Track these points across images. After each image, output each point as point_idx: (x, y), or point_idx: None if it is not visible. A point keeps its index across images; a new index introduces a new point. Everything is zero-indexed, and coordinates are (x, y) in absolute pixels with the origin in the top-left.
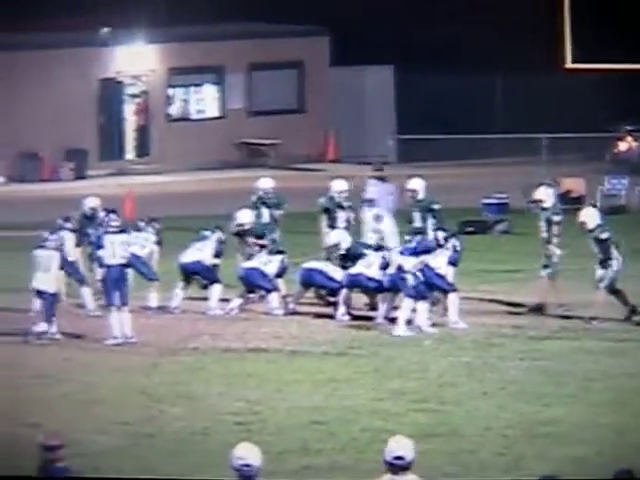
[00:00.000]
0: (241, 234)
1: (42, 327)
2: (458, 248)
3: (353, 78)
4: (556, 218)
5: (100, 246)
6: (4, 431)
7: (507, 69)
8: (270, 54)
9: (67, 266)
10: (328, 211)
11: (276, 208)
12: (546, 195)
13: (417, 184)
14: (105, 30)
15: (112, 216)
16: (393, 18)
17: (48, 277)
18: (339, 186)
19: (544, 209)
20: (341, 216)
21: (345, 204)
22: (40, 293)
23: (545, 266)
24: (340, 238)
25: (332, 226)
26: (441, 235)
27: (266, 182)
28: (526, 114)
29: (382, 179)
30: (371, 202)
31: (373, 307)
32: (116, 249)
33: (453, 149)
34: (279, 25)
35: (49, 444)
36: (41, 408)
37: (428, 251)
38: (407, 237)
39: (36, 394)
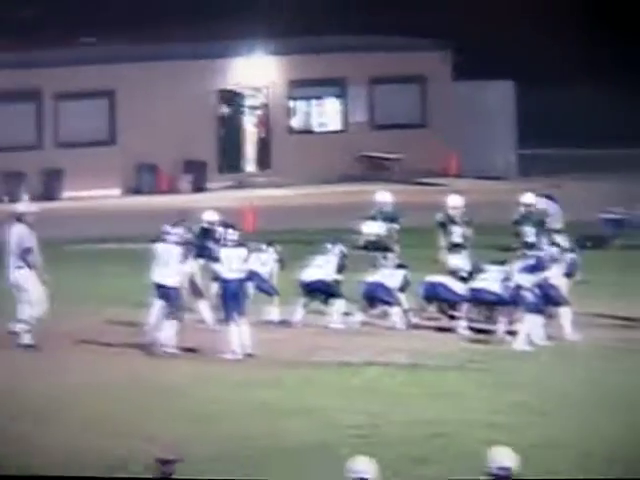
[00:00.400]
0: (367, 246)
1: (165, 337)
2: (575, 261)
3: (474, 93)
4: None
5: (217, 260)
6: (121, 443)
7: (628, 84)
8: (392, 68)
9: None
10: (444, 226)
11: (392, 222)
12: None
13: (531, 198)
14: (225, 41)
15: (230, 230)
16: (514, 33)
17: (168, 271)
18: (454, 202)
19: None
20: (456, 231)
21: (459, 220)
22: (160, 287)
23: None
24: (458, 263)
25: (449, 242)
26: (556, 251)
27: (384, 196)
28: None
29: (550, 197)
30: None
31: (493, 320)
32: (233, 263)
33: (573, 164)
34: (401, 38)
35: (166, 458)
36: (159, 422)
37: (545, 268)
38: (526, 252)
39: (154, 408)
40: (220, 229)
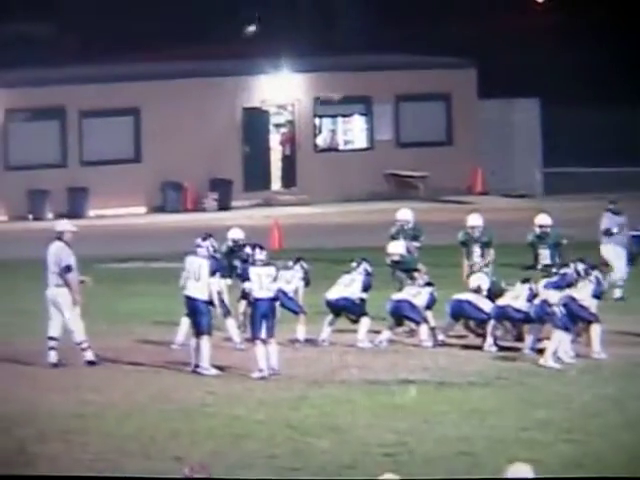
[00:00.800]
0: (393, 265)
1: (201, 356)
2: (602, 281)
3: (500, 111)
4: None
5: (246, 278)
6: (147, 464)
7: None
8: (418, 85)
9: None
10: (466, 245)
11: (413, 240)
12: None
13: (546, 220)
14: (251, 59)
15: (258, 250)
16: (540, 51)
17: (199, 285)
18: (473, 221)
19: None
20: (476, 251)
21: (479, 238)
22: (191, 300)
23: None
24: (479, 281)
25: (469, 260)
26: (581, 267)
27: (405, 214)
28: None
29: (617, 212)
30: (609, 234)
31: (519, 338)
32: (263, 282)
33: (599, 182)
34: (427, 56)
35: (195, 477)
36: (185, 441)
37: (570, 284)
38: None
39: (181, 427)
40: (248, 248)
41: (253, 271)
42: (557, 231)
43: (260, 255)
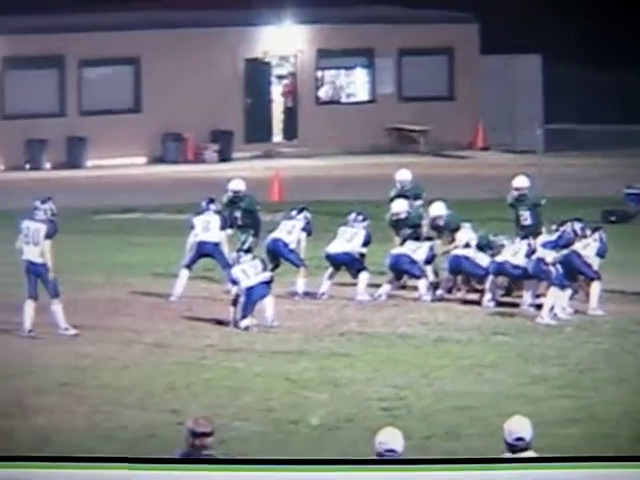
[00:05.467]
0: (395, 224)
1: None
2: (604, 240)
3: (502, 67)
4: None
5: (233, 281)
6: (144, 417)
7: None
8: (421, 39)
9: (213, 250)
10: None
11: (415, 199)
12: None
13: (523, 182)
14: (254, 9)
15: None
16: (543, 6)
17: (37, 250)
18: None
19: None
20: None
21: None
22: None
23: None
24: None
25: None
26: (578, 226)
27: (404, 174)
28: None
29: None
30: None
31: (510, 293)
32: (250, 274)
33: (599, 139)
34: (430, 10)
35: (199, 430)
36: (183, 394)
37: (568, 244)
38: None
39: (178, 380)
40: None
41: (237, 269)
42: (535, 192)
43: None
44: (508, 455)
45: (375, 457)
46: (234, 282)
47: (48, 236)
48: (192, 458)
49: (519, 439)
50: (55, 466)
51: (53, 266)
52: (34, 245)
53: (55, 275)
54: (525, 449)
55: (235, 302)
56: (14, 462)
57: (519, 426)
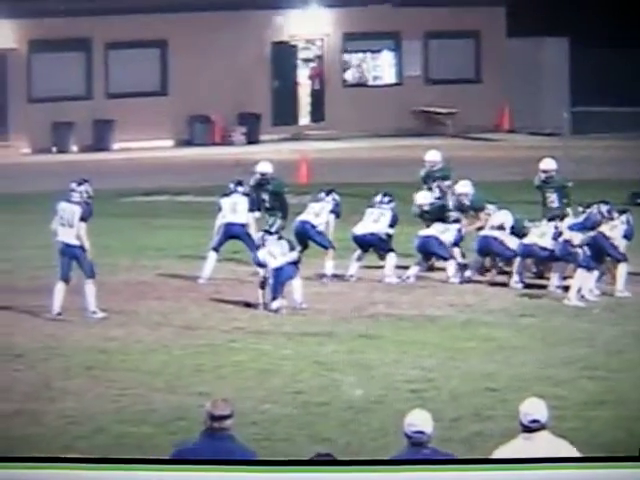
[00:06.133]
0: (422, 215)
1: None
2: (632, 222)
3: (529, 50)
4: None
5: (259, 264)
6: (172, 399)
7: None
8: (447, 22)
9: (241, 232)
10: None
11: (443, 180)
12: None
13: (550, 164)
14: None
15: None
16: None
17: (72, 232)
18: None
19: None
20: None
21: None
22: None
23: None
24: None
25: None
26: (604, 208)
27: (434, 155)
28: None
29: None
30: None
31: (542, 275)
32: (276, 255)
33: (626, 122)
34: None
35: (217, 413)
36: (211, 377)
37: (594, 226)
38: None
39: (206, 363)
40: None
41: (263, 251)
42: (561, 175)
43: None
44: (523, 435)
45: (374, 457)
46: (260, 265)
47: (83, 218)
48: (192, 458)
49: (534, 421)
50: (55, 466)
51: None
52: (69, 227)
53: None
54: (540, 430)
55: (263, 285)
56: (14, 462)
57: (534, 408)
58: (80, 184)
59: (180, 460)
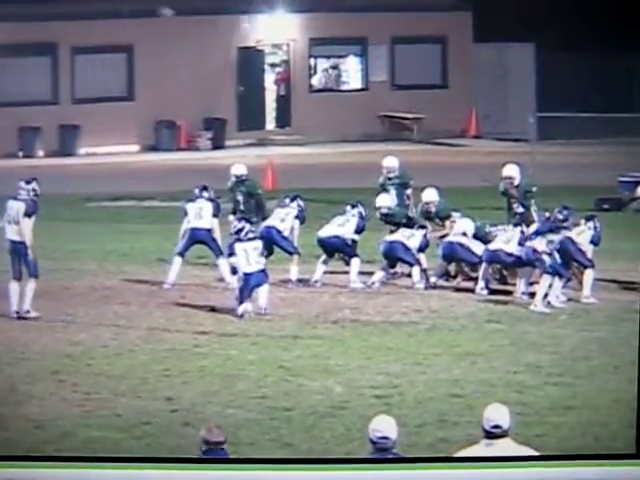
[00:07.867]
0: (383, 218)
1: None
2: (599, 228)
3: (496, 55)
4: None
5: (232, 254)
6: (138, 404)
7: None
8: (413, 28)
9: (206, 237)
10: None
11: (404, 187)
12: None
13: (512, 171)
14: None
15: (248, 226)
16: None
17: (18, 228)
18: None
19: None
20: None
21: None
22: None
23: None
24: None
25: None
26: (564, 212)
27: (390, 161)
28: None
29: None
30: None
31: (505, 281)
32: (250, 256)
33: (592, 127)
34: None
35: (212, 440)
36: (177, 381)
37: (553, 230)
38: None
39: (172, 367)
40: (236, 222)
41: (239, 247)
42: (526, 180)
43: (250, 231)
44: (485, 441)
45: (374, 457)
46: (231, 255)
47: (27, 214)
48: (192, 458)
49: (496, 426)
50: (55, 466)
51: (45, 251)
52: (15, 224)
53: (46, 261)
54: (502, 436)
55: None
56: (14, 462)
57: (496, 414)
58: (28, 182)
59: (180, 459)
